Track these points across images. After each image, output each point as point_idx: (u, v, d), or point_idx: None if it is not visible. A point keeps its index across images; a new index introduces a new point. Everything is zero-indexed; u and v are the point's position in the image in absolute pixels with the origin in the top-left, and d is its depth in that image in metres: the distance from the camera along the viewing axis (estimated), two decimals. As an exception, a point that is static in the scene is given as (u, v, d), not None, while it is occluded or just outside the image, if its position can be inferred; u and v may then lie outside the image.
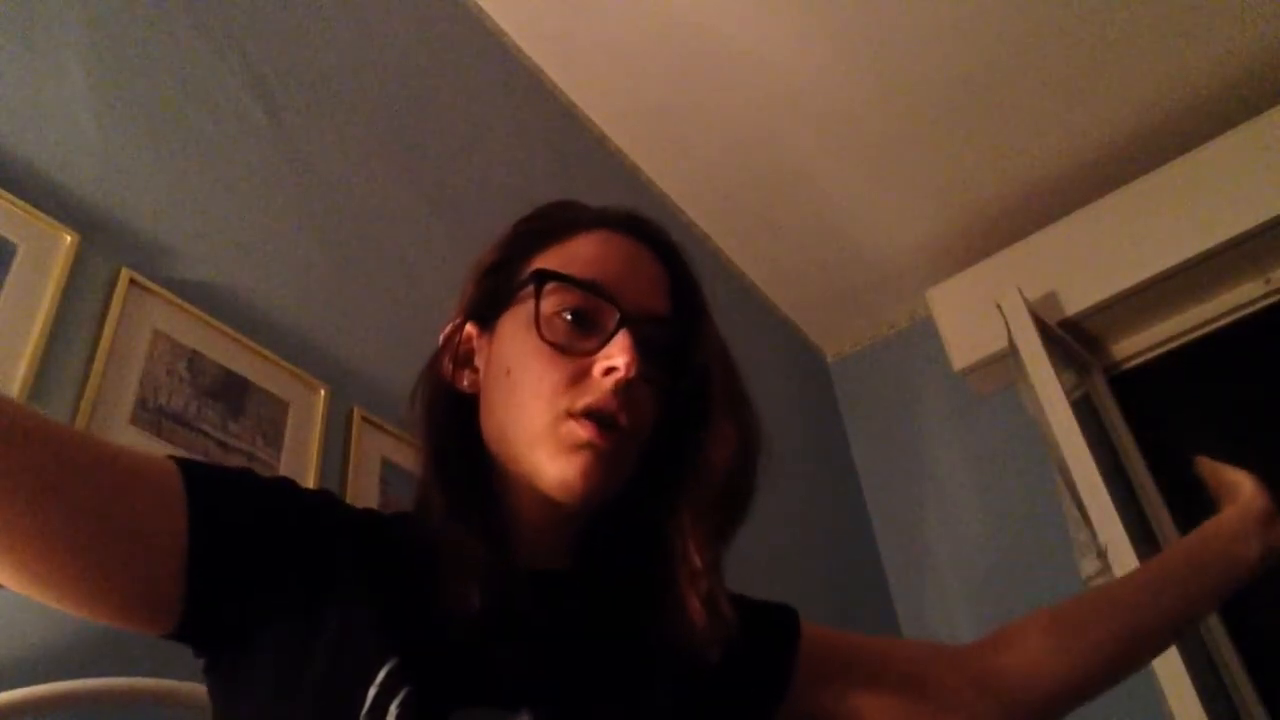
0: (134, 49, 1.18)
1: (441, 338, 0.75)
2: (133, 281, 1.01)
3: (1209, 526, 0.89)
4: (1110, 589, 0.87)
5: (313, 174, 1.34)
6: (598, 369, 0.66)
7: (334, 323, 1.25)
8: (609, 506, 0.70)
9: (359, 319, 1.29)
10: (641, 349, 0.66)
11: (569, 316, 0.68)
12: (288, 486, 0.66)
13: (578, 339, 0.67)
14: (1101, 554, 1.73)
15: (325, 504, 0.67)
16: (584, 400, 0.65)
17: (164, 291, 1.04)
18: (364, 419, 1.19)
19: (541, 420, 0.65)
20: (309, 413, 1.13)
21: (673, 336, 0.71)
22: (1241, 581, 0.85)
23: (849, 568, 2.25)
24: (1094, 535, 1.77)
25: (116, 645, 0.86)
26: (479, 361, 0.73)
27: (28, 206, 0.96)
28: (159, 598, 0.57)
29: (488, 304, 0.73)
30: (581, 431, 0.64)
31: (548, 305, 0.68)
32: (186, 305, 1.06)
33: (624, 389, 0.65)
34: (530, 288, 0.69)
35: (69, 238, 0.97)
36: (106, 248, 1.02)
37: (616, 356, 0.65)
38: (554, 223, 0.75)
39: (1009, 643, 0.82)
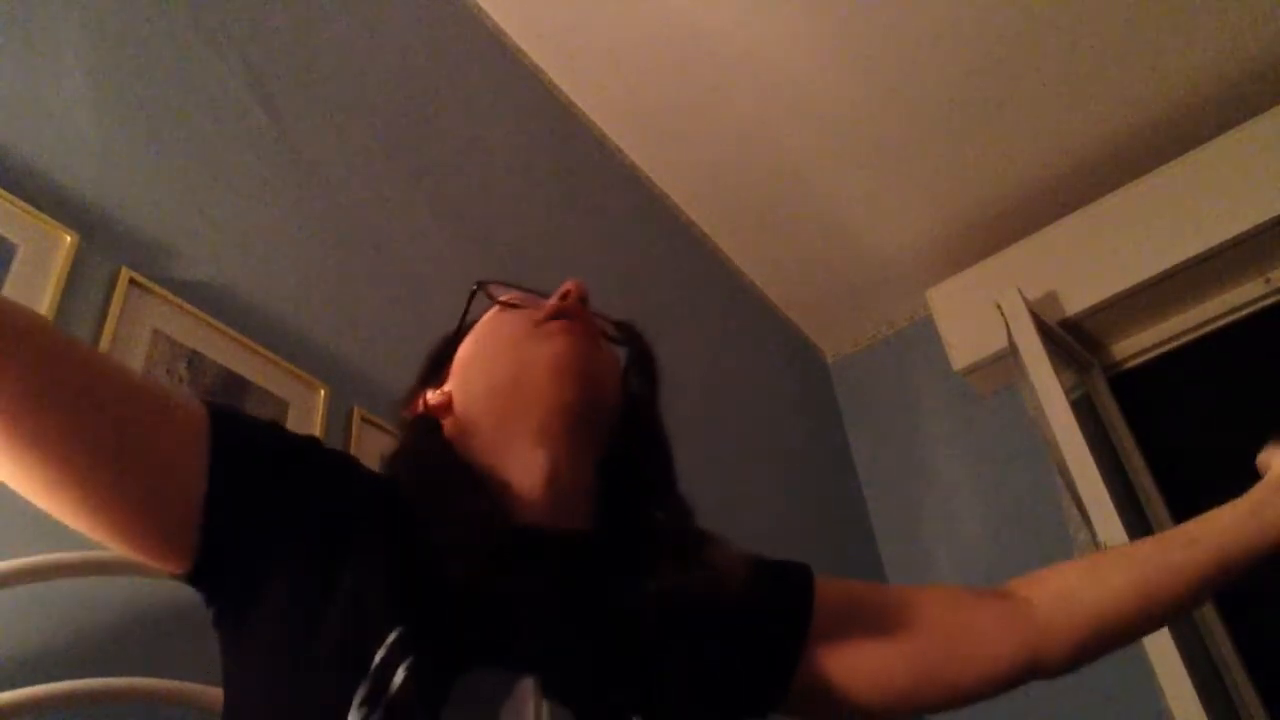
0: (134, 49, 1.18)
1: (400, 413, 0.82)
2: (132, 281, 1.02)
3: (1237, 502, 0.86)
4: (1126, 545, 0.88)
5: (313, 174, 1.34)
6: (552, 301, 0.75)
7: (334, 323, 1.25)
8: (608, 474, 0.73)
9: (359, 319, 1.29)
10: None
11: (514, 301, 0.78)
12: (314, 444, 0.69)
13: (529, 305, 0.77)
14: (1101, 554, 1.73)
15: (346, 466, 0.69)
16: (548, 311, 0.74)
17: (164, 291, 1.04)
18: (364, 419, 1.19)
19: (517, 337, 0.73)
20: (309, 413, 1.13)
21: (607, 323, 0.79)
22: (1258, 550, 0.80)
23: (849, 567, 2.25)
24: (1094, 535, 1.77)
25: (117, 645, 0.86)
26: (443, 390, 0.78)
27: (28, 206, 0.96)
28: (175, 533, 0.59)
29: (438, 364, 0.81)
30: (554, 323, 0.73)
31: (497, 295, 0.78)
32: (186, 305, 1.06)
33: (582, 302, 0.74)
34: (475, 300, 0.79)
35: (69, 237, 0.97)
36: (106, 247, 1.02)
37: (566, 285, 0.75)
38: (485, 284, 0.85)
39: (1037, 580, 0.82)
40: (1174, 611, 0.83)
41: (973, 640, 0.78)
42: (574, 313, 0.73)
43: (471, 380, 0.74)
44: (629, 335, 0.79)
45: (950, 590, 0.84)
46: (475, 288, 0.80)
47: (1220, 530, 0.81)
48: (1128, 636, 0.82)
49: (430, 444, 0.72)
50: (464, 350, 0.78)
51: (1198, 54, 2.08)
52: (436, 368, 0.80)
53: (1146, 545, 0.85)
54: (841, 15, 1.96)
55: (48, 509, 0.58)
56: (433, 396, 0.76)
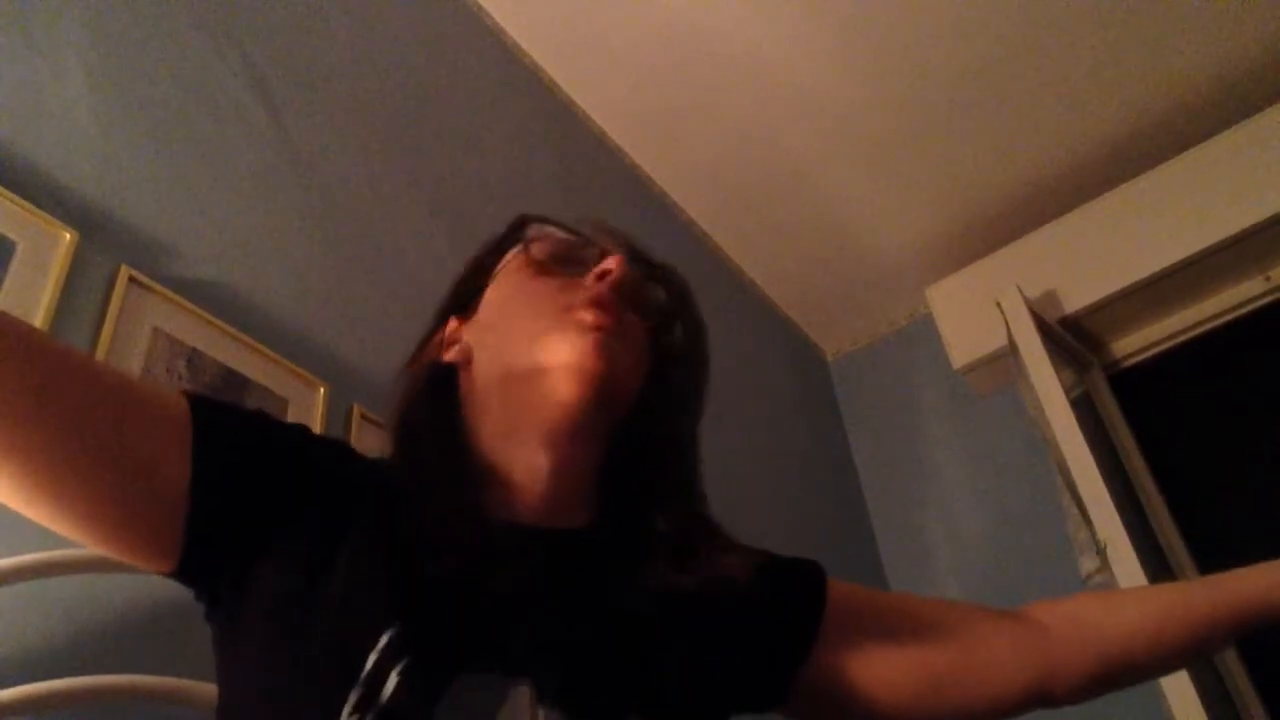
0: (134, 49, 1.18)
1: (420, 339, 0.77)
2: (132, 279, 1.02)
3: None
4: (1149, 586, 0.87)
5: (313, 173, 1.34)
6: (590, 279, 0.69)
7: (333, 321, 1.25)
8: (611, 461, 0.71)
9: (358, 317, 1.29)
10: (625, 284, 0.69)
11: (554, 258, 0.72)
12: (302, 433, 0.66)
13: (566, 268, 0.71)
14: (1101, 553, 1.73)
15: (338, 454, 0.67)
16: (583, 297, 0.67)
17: (163, 289, 1.04)
18: (363, 416, 1.19)
19: (545, 319, 0.67)
20: (308, 410, 1.13)
21: (648, 284, 0.74)
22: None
23: (848, 566, 2.25)
24: (1093, 534, 1.77)
25: (117, 643, 0.86)
26: (465, 338, 0.74)
27: (27, 204, 0.96)
28: (160, 531, 0.58)
29: (467, 294, 0.76)
30: (588, 316, 0.66)
31: (534, 252, 0.72)
32: (186, 303, 1.06)
33: (618, 291, 0.68)
34: (511, 253, 0.73)
35: (68, 236, 0.97)
36: (106, 246, 1.02)
37: (608, 263, 0.68)
38: (522, 218, 0.79)
39: (1054, 607, 0.81)
40: (1189, 652, 0.81)
41: (985, 660, 0.76)
42: (608, 302, 0.67)
43: (490, 351, 0.70)
44: (676, 309, 0.74)
45: (966, 607, 0.82)
46: (518, 223, 0.75)
47: (1243, 577, 0.80)
48: (1140, 673, 0.80)
49: (435, 415, 0.69)
50: (491, 306, 0.73)
51: (1197, 52, 2.08)
52: (463, 300, 0.76)
53: (1168, 586, 0.85)
54: (841, 15, 1.96)
55: (28, 514, 0.56)
56: (450, 349, 0.73)
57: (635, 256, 0.72)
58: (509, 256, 0.75)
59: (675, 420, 0.73)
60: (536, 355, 0.66)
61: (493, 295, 0.74)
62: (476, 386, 0.70)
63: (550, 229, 0.73)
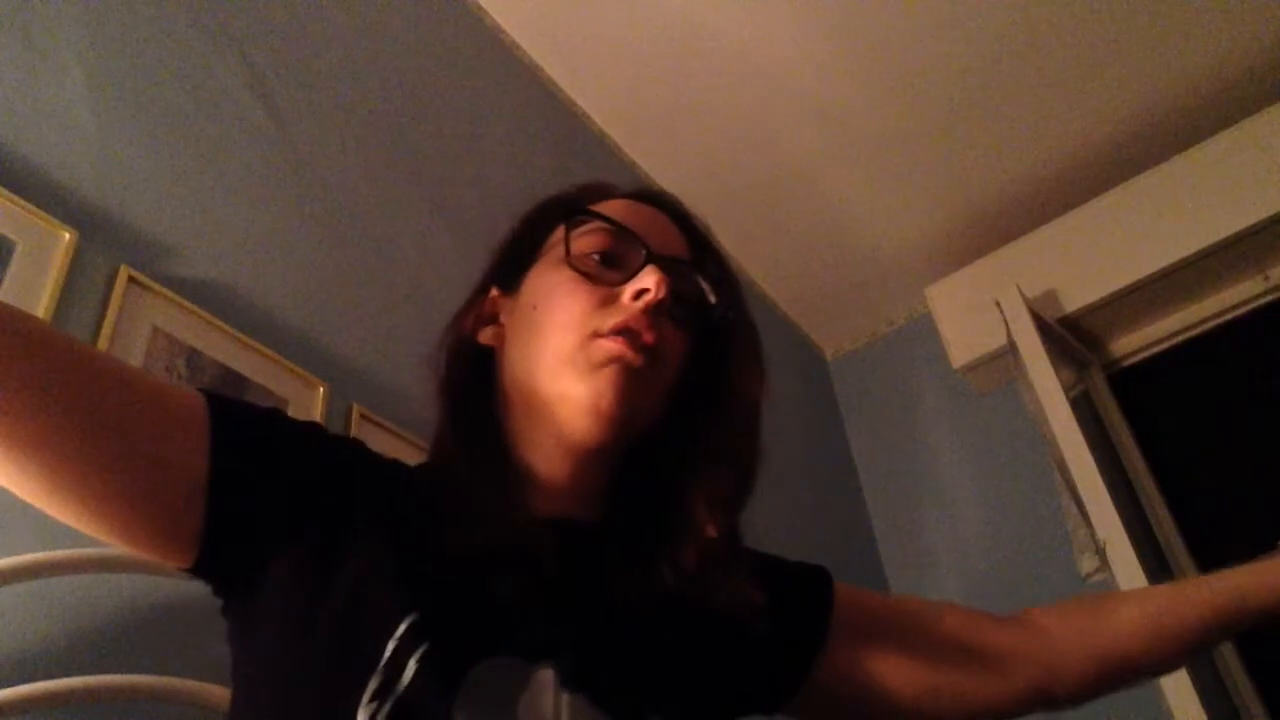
0: (134, 49, 1.18)
1: (464, 303, 0.76)
2: (131, 279, 1.02)
3: None
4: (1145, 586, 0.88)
5: (313, 174, 1.34)
6: (627, 295, 0.67)
7: (333, 321, 1.25)
8: (634, 453, 0.70)
9: (358, 317, 1.29)
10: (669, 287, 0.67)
11: (597, 257, 0.69)
12: (317, 431, 0.67)
13: (606, 273, 0.69)
14: (1100, 552, 1.74)
15: (353, 453, 0.68)
16: (613, 320, 0.65)
17: (163, 289, 1.04)
18: (363, 416, 1.19)
19: (570, 342, 0.66)
20: (308, 410, 1.13)
21: (697, 285, 0.72)
22: (1275, 594, 0.79)
23: (848, 566, 2.25)
24: (1093, 533, 1.77)
25: (116, 643, 0.86)
26: (503, 318, 0.74)
27: (27, 204, 0.96)
28: (178, 526, 0.58)
29: (512, 266, 0.75)
30: (611, 346, 0.65)
31: (577, 246, 0.70)
32: (185, 303, 1.06)
33: (653, 311, 0.66)
34: (560, 230, 0.71)
35: (68, 235, 0.98)
36: (105, 245, 1.02)
37: (647, 280, 0.66)
38: (580, 191, 0.77)
39: (1054, 610, 0.82)
40: (1187, 650, 0.82)
41: (988, 662, 0.78)
42: (640, 328, 0.65)
43: (519, 352, 0.70)
44: (720, 312, 0.72)
45: (969, 612, 0.83)
46: (576, 193, 0.74)
47: (1238, 573, 0.81)
48: (1139, 673, 0.82)
49: (470, 402, 0.70)
50: (528, 296, 0.71)
51: (1196, 51, 2.08)
52: (507, 272, 0.75)
53: (1165, 586, 0.86)
54: (842, 15, 1.96)
55: (48, 510, 0.57)
56: (486, 329, 0.73)
57: (679, 265, 0.70)
58: (557, 234, 0.73)
59: (709, 431, 0.70)
60: (557, 381, 0.66)
61: (532, 283, 0.72)
62: (507, 376, 0.71)
63: (598, 224, 0.70)
